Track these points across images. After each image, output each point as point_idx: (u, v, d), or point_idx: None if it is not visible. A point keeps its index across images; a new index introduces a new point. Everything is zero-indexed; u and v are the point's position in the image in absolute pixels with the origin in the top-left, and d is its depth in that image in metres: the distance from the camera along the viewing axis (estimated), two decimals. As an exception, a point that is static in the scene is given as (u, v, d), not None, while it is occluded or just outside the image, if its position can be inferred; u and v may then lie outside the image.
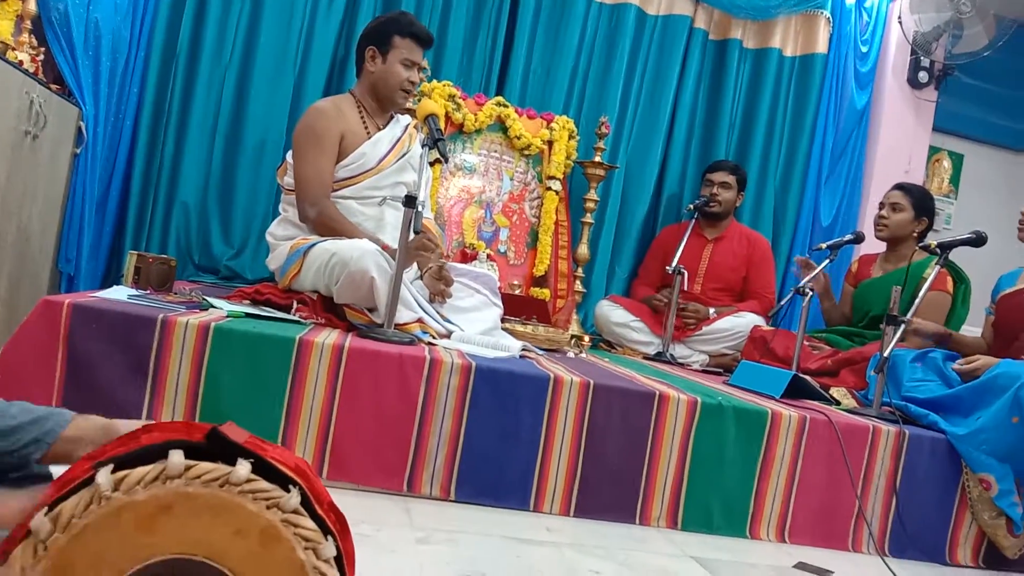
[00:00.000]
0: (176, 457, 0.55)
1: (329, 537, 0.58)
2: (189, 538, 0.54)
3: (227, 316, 2.02)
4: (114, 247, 3.35)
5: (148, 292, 2.23)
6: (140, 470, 0.54)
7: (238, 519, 0.55)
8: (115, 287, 2.22)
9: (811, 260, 3.26)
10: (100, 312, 1.82)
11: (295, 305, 2.33)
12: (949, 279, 3.07)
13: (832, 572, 1.93)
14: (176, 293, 2.35)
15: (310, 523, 0.58)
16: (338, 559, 0.59)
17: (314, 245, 2.36)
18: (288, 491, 0.58)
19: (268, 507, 0.56)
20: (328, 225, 2.48)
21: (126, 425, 0.76)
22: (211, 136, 3.45)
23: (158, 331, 1.83)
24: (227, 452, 0.58)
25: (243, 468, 0.56)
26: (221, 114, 3.45)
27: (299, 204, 2.54)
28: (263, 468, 0.58)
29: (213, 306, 2.15)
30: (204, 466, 0.56)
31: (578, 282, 3.78)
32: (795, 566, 1.94)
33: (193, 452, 0.57)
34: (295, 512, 0.57)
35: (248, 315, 2.10)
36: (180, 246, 3.42)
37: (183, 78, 3.40)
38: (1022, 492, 2.26)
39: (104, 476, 0.53)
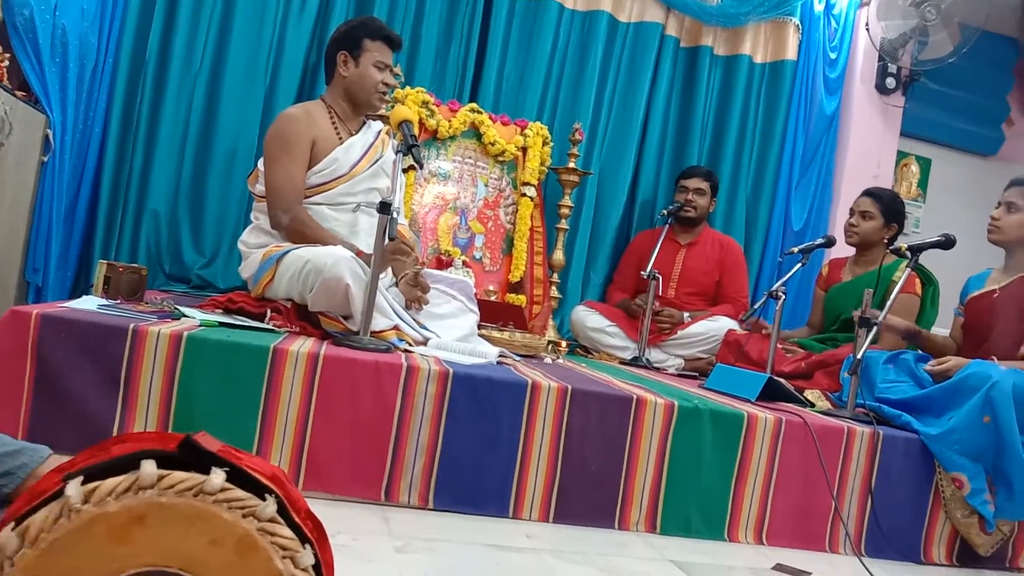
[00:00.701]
0: (148, 467, 0.54)
1: (307, 545, 0.57)
2: (164, 549, 0.52)
3: (200, 325, 1.99)
4: (83, 257, 3.29)
5: (119, 302, 2.19)
6: (111, 481, 0.52)
7: (213, 529, 0.53)
8: (85, 297, 2.18)
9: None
10: (70, 322, 1.78)
11: (269, 313, 2.30)
12: (918, 281, 3.12)
13: (810, 573, 1.94)
14: (147, 303, 2.31)
15: (287, 531, 0.56)
16: (316, 567, 0.58)
17: (287, 252, 2.33)
18: (264, 499, 0.56)
19: (244, 516, 0.55)
20: (301, 232, 2.46)
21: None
22: (181, 144, 3.41)
23: (129, 341, 1.80)
24: (201, 461, 0.57)
25: (217, 477, 0.55)
26: (191, 121, 3.41)
27: (271, 212, 2.51)
28: (238, 477, 0.57)
29: (185, 315, 2.12)
30: (177, 475, 0.54)
31: (554, 288, 3.78)
32: (773, 568, 1.95)
33: (166, 462, 0.56)
34: (271, 520, 0.56)
35: (221, 324, 2.08)
36: (151, 255, 3.37)
37: (152, 85, 3.36)
38: (994, 491, 2.29)
39: (74, 488, 0.52)
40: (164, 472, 0.54)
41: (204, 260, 3.46)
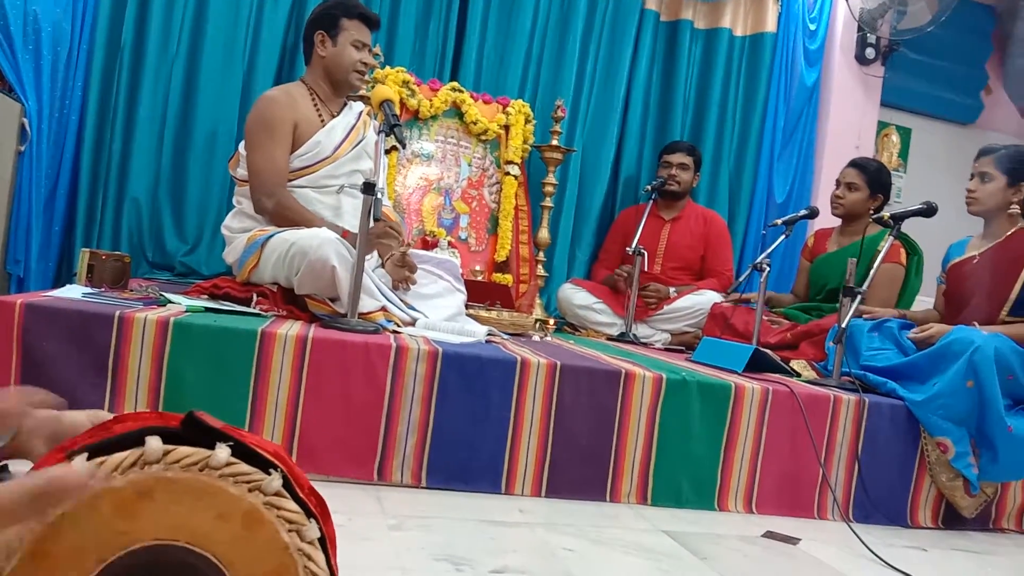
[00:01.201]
0: (154, 442, 0.54)
1: (312, 519, 0.58)
2: (170, 523, 0.53)
3: (186, 311, 1.98)
4: (64, 246, 3.26)
5: (103, 290, 2.18)
6: (117, 456, 0.53)
7: (220, 503, 0.54)
8: (68, 286, 2.16)
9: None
10: (55, 311, 1.77)
11: (255, 298, 2.30)
12: (902, 251, 3.15)
13: (799, 539, 1.97)
14: (132, 290, 2.30)
15: (293, 505, 0.57)
16: (321, 541, 0.59)
17: (272, 236, 2.32)
18: (269, 474, 0.57)
19: (250, 490, 0.55)
20: (286, 216, 2.44)
21: (74, 415, 0.73)
22: (160, 129, 3.38)
23: (116, 328, 1.79)
24: (204, 438, 0.57)
25: (223, 452, 0.55)
26: (170, 106, 3.38)
27: (255, 196, 2.49)
28: (242, 452, 0.57)
29: (171, 301, 2.11)
30: (183, 450, 0.54)
31: (540, 266, 3.79)
32: (763, 535, 1.98)
33: (169, 438, 0.56)
34: (277, 495, 0.56)
35: (207, 310, 2.07)
36: (133, 243, 3.35)
37: (129, 71, 3.32)
38: (977, 454, 2.33)
39: (79, 463, 0.52)
40: (169, 447, 0.54)
41: (187, 247, 3.44)
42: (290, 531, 0.55)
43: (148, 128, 3.35)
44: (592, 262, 4.09)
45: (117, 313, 1.79)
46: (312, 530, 0.56)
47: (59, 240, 3.22)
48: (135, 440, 0.55)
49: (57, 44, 3.00)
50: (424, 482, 1.96)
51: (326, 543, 0.59)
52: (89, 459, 0.52)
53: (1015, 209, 2.60)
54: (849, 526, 2.13)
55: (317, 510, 0.60)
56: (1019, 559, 2.19)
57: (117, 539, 0.51)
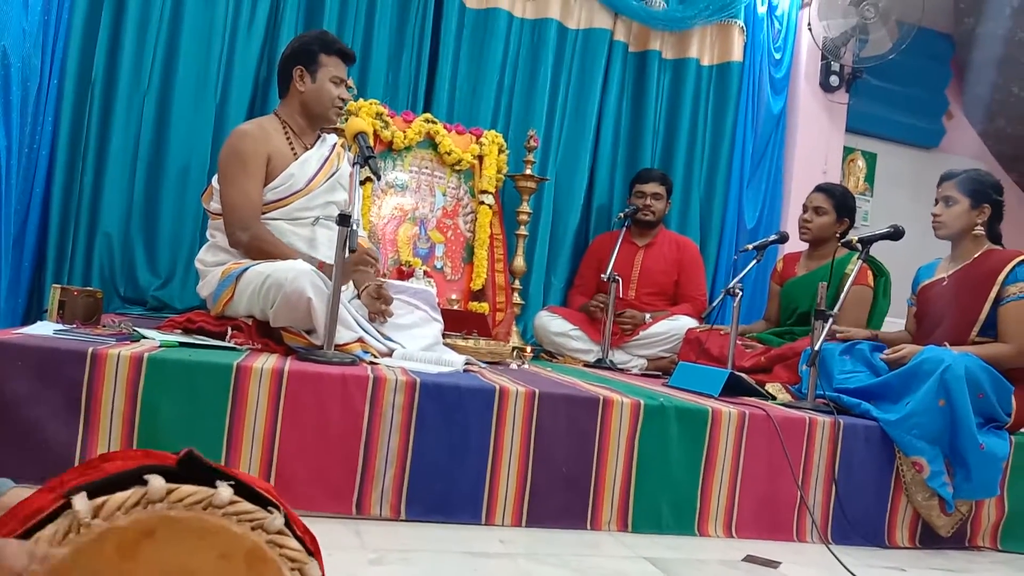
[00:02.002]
0: (157, 481, 0.53)
1: (312, 558, 0.57)
2: (173, 564, 0.52)
3: (160, 346, 1.96)
4: (34, 283, 3.22)
5: (75, 326, 2.15)
6: (120, 495, 0.52)
7: (223, 542, 0.53)
8: (39, 323, 2.13)
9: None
10: (25, 348, 1.74)
11: (229, 331, 2.27)
12: (870, 273, 3.20)
13: (779, 563, 1.98)
14: (105, 326, 2.27)
15: (295, 543, 0.57)
16: (321, 573, 0.58)
17: (247, 269, 2.31)
18: (270, 513, 0.56)
19: (252, 528, 0.55)
20: (261, 248, 2.43)
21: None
22: (132, 164, 3.36)
23: (89, 365, 1.76)
24: (201, 476, 0.57)
25: (225, 490, 0.55)
26: (142, 141, 3.37)
27: (229, 230, 2.48)
28: (242, 491, 0.56)
29: (144, 337, 2.09)
30: (186, 489, 0.54)
31: (516, 294, 3.80)
32: (744, 559, 1.98)
33: (168, 477, 0.56)
34: (279, 533, 0.56)
35: (181, 344, 2.05)
36: (104, 278, 3.31)
37: (100, 105, 3.30)
38: (952, 472, 2.36)
39: (82, 502, 0.51)
40: (172, 486, 0.54)
41: (160, 281, 3.41)
42: (293, 569, 0.55)
43: (120, 162, 3.33)
44: (568, 289, 4.11)
45: (90, 350, 1.77)
46: (314, 568, 0.56)
47: (29, 276, 3.18)
48: (133, 478, 0.54)
49: (27, 79, 2.98)
50: (403, 514, 1.95)
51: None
52: (90, 498, 0.52)
53: (979, 231, 2.66)
54: (828, 548, 2.14)
55: (312, 547, 0.59)
56: (994, 575, 2.21)
57: (120, 581, 0.51)
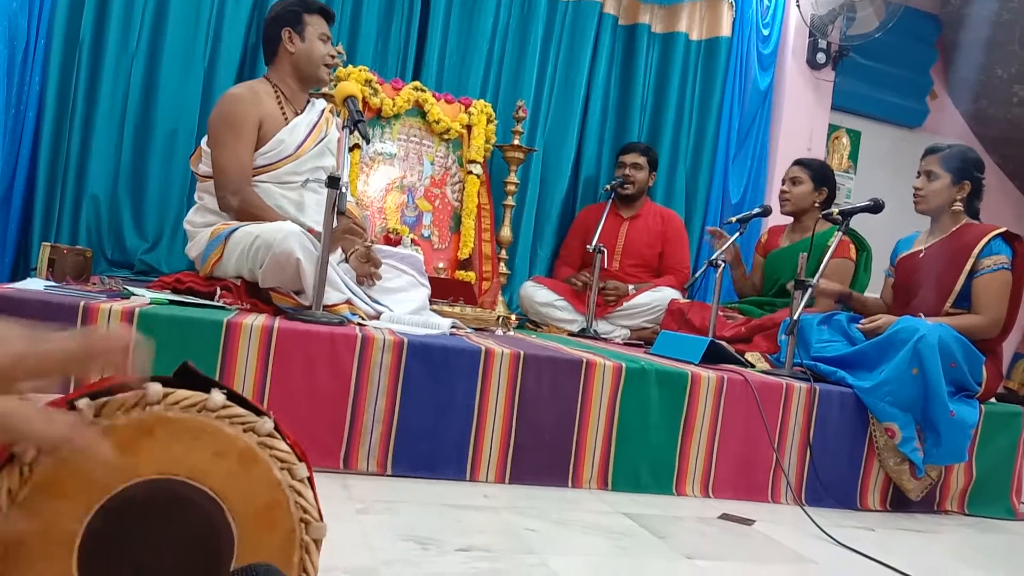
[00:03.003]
0: (155, 386, 0.57)
1: (301, 462, 0.62)
2: (170, 459, 0.56)
3: (150, 303, 1.99)
4: (21, 243, 3.22)
5: (65, 283, 2.17)
6: (120, 397, 0.56)
7: (217, 441, 0.57)
8: (29, 279, 2.15)
9: (723, 231, 3.40)
10: (17, 302, 1.77)
11: (218, 291, 2.30)
12: (852, 247, 3.26)
13: (754, 520, 2.04)
14: (94, 284, 2.29)
15: (284, 446, 0.61)
16: (310, 480, 0.63)
17: (236, 229, 2.34)
18: (261, 418, 0.60)
19: (244, 431, 0.59)
20: (251, 213, 2.45)
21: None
22: (120, 126, 3.36)
23: (80, 319, 1.79)
24: (197, 386, 0.61)
25: (218, 395, 0.59)
26: (129, 103, 3.36)
27: (219, 193, 2.50)
28: (234, 399, 0.60)
29: (135, 294, 2.11)
30: (182, 393, 0.58)
31: (502, 264, 3.83)
32: (719, 517, 2.05)
33: (166, 386, 0.60)
34: (270, 435, 0.60)
35: (172, 303, 2.07)
36: (91, 241, 3.32)
37: (88, 67, 3.29)
38: (922, 438, 2.43)
39: (84, 403, 0.55)
40: (169, 390, 0.58)
41: (147, 244, 3.42)
42: (282, 469, 0.59)
43: (107, 125, 3.33)
44: (553, 260, 4.15)
45: (82, 303, 1.80)
46: (302, 469, 0.60)
47: (15, 237, 3.19)
48: (136, 387, 0.58)
49: (14, 39, 2.98)
50: (389, 470, 2.00)
51: (312, 482, 0.63)
52: (92, 400, 0.56)
53: (959, 206, 2.72)
54: (802, 508, 2.21)
55: (300, 455, 0.63)
56: (960, 536, 2.30)
57: (121, 472, 0.55)
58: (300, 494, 0.60)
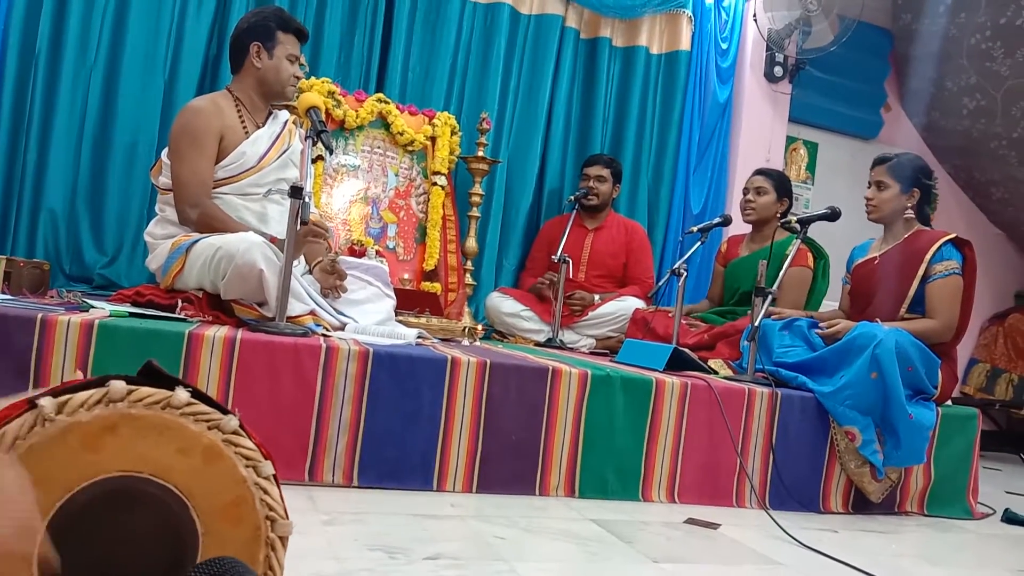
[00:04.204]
0: (118, 383, 0.57)
1: (267, 460, 0.61)
2: (134, 456, 0.56)
3: (110, 315, 1.96)
4: (-25, 258, 3.15)
5: (21, 296, 2.13)
6: (83, 394, 0.56)
7: (181, 438, 0.57)
8: (-16, 293, 2.11)
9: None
10: (-28, 315, 1.73)
11: (180, 304, 2.27)
12: (810, 255, 3.33)
13: (719, 524, 2.06)
14: (52, 296, 2.25)
15: (249, 443, 0.61)
16: (275, 478, 0.62)
17: (197, 241, 2.31)
18: (226, 415, 0.60)
19: (209, 428, 0.59)
20: (211, 225, 2.42)
21: None
22: (78, 139, 3.31)
23: (38, 331, 1.76)
24: (162, 385, 0.60)
25: (182, 393, 0.59)
26: (88, 116, 3.32)
27: (179, 207, 2.47)
28: (199, 397, 0.60)
29: (94, 307, 2.08)
30: (145, 390, 0.58)
31: (468, 275, 3.84)
32: (685, 521, 2.06)
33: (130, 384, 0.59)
34: (235, 433, 0.60)
35: (132, 315, 2.04)
36: (49, 255, 3.25)
37: (44, 79, 3.24)
38: (882, 441, 2.48)
39: (47, 400, 0.55)
40: (132, 387, 0.57)
41: (106, 259, 3.37)
42: (247, 466, 0.59)
43: (65, 138, 3.28)
44: (519, 271, 4.17)
45: (39, 316, 1.77)
46: (268, 467, 0.60)
47: (-31, 251, 3.12)
48: (98, 385, 0.58)
49: (-33, 51, 2.92)
50: (356, 481, 1.98)
51: (278, 482, 0.63)
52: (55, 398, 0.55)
53: (910, 213, 2.78)
54: (767, 512, 2.24)
55: (266, 455, 0.63)
56: (920, 536, 2.34)
57: (83, 470, 0.54)
58: (266, 491, 0.60)
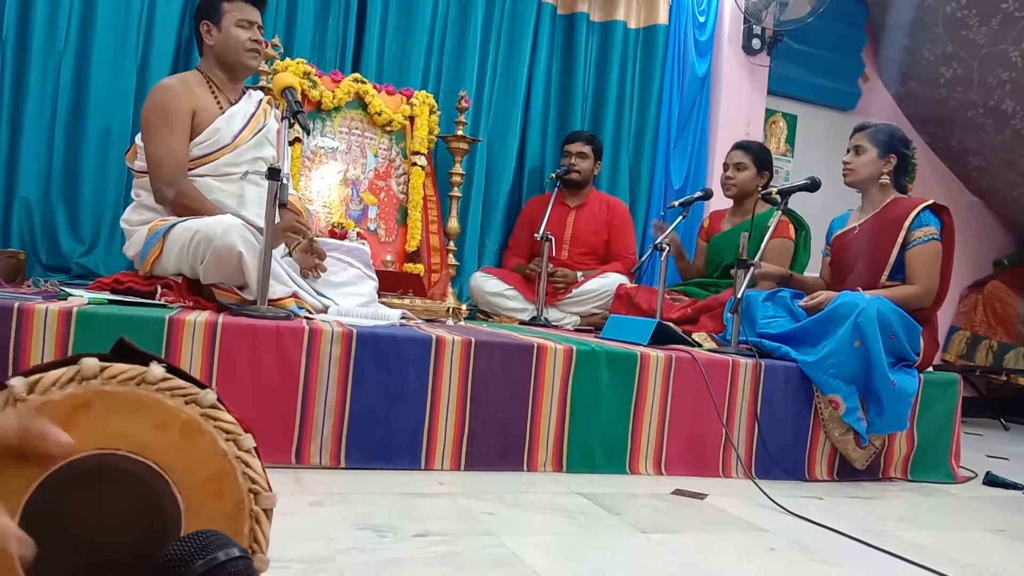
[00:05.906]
0: (90, 360, 0.56)
1: (247, 433, 0.61)
2: (110, 433, 0.55)
3: (88, 303, 1.93)
4: (-53, 250, 3.10)
5: (-3, 286, 2.10)
6: (54, 372, 0.55)
7: (158, 414, 0.56)
8: (-42, 283, 2.08)
9: (664, 222, 3.44)
10: (-54, 305, 1.70)
11: (159, 290, 2.24)
12: (791, 226, 3.34)
13: (706, 495, 2.08)
14: (29, 285, 2.22)
15: (229, 416, 0.60)
16: (256, 450, 0.62)
17: (174, 225, 2.28)
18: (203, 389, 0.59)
19: (186, 402, 0.58)
20: (187, 205, 2.39)
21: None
22: (50, 126, 3.25)
23: (15, 320, 1.74)
24: (136, 361, 0.59)
25: (157, 368, 0.58)
26: (59, 102, 3.26)
27: (155, 186, 2.44)
28: (174, 372, 0.59)
29: (72, 295, 2.05)
30: (119, 367, 0.57)
31: (451, 256, 3.82)
32: (672, 493, 2.08)
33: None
34: (213, 407, 0.59)
35: (111, 302, 2.02)
36: (24, 245, 3.20)
37: (13, 66, 3.18)
38: (865, 408, 2.50)
39: (17, 380, 0.53)
40: (105, 364, 0.56)
41: (83, 247, 3.32)
42: (227, 440, 0.58)
43: (36, 125, 3.22)
44: (502, 250, 4.15)
45: (16, 304, 1.74)
46: (248, 440, 0.59)
47: (-58, 243, 3.07)
48: (70, 364, 0.56)
49: (-68, 38, 2.86)
50: (343, 463, 1.98)
51: (259, 454, 0.62)
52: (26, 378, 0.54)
53: (886, 179, 2.80)
54: (753, 481, 2.26)
55: (246, 429, 0.62)
56: (904, 501, 2.37)
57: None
58: (248, 464, 0.59)
